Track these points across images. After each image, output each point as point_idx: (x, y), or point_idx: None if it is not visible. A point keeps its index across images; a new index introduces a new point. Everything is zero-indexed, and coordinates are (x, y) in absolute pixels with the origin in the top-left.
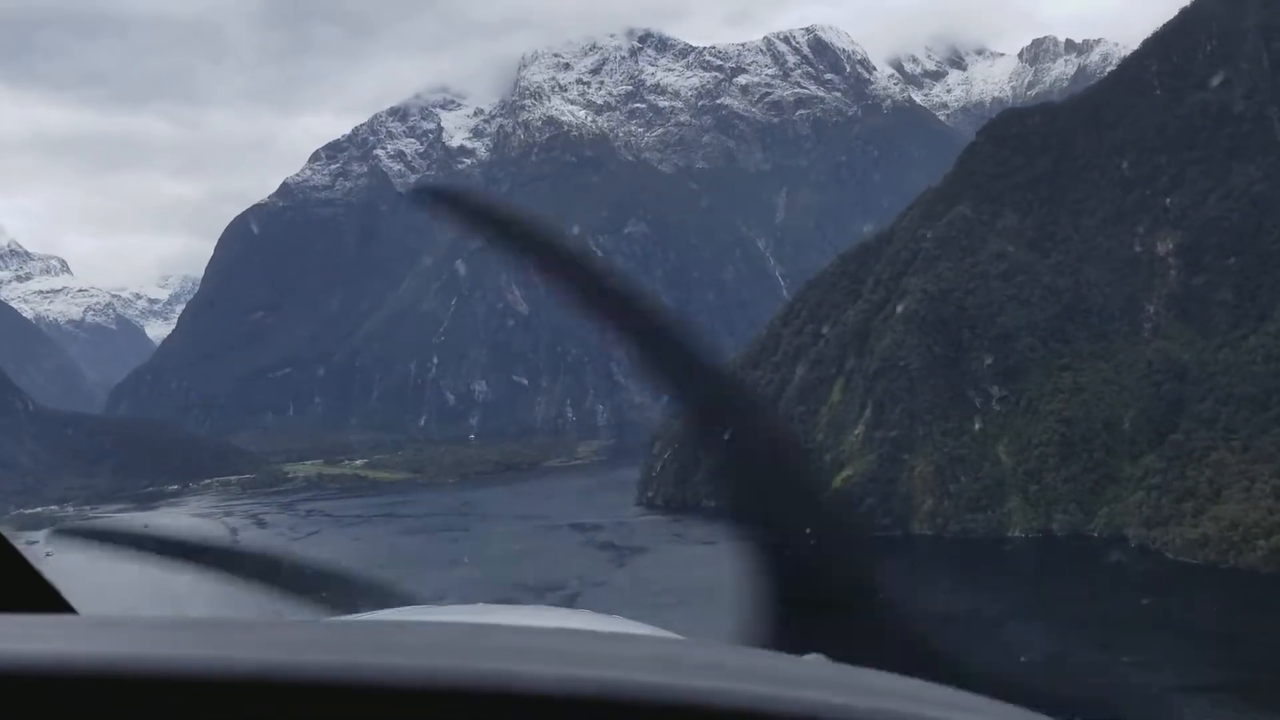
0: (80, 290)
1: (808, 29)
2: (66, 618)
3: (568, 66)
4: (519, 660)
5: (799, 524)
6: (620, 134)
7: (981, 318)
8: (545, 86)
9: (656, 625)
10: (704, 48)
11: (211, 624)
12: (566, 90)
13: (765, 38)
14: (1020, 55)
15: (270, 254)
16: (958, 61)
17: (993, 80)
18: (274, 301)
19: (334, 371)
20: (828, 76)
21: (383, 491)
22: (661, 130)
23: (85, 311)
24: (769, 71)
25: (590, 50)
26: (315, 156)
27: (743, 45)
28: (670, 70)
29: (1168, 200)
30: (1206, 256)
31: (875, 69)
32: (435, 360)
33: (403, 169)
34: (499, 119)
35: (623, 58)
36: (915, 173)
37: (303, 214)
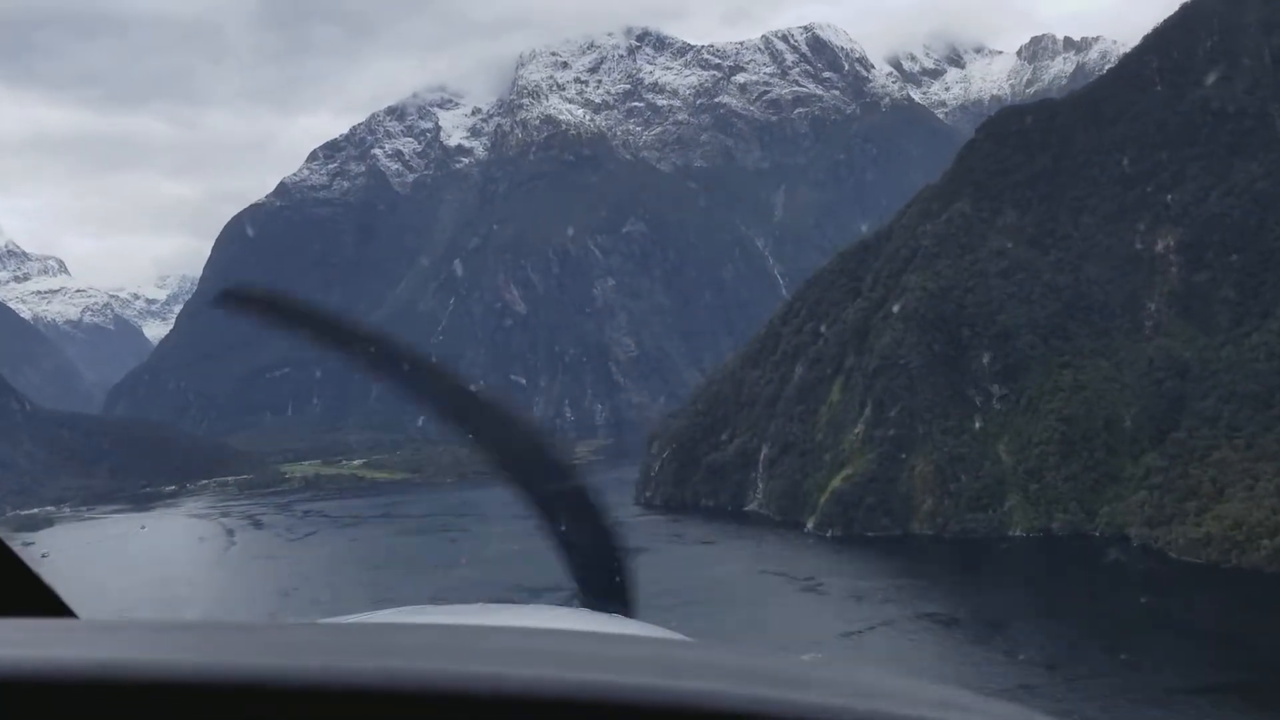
0: (78, 290)
1: (806, 27)
2: (66, 621)
3: (565, 65)
4: (516, 663)
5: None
6: (618, 133)
7: (981, 315)
8: (543, 85)
9: (654, 625)
10: (702, 46)
11: (210, 627)
12: (564, 89)
13: (763, 36)
14: (1019, 53)
15: (268, 254)
16: (956, 60)
17: (991, 78)
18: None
19: (332, 371)
20: (826, 75)
21: (380, 492)
22: (660, 129)
23: (83, 312)
24: (767, 70)
25: (588, 49)
26: (313, 156)
27: (741, 44)
28: (668, 69)
29: (1169, 197)
30: (1208, 253)
31: (874, 67)
32: (433, 360)
33: (400, 168)
34: (497, 118)
35: (620, 56)
36: (914, 171)
37: (300, 214)
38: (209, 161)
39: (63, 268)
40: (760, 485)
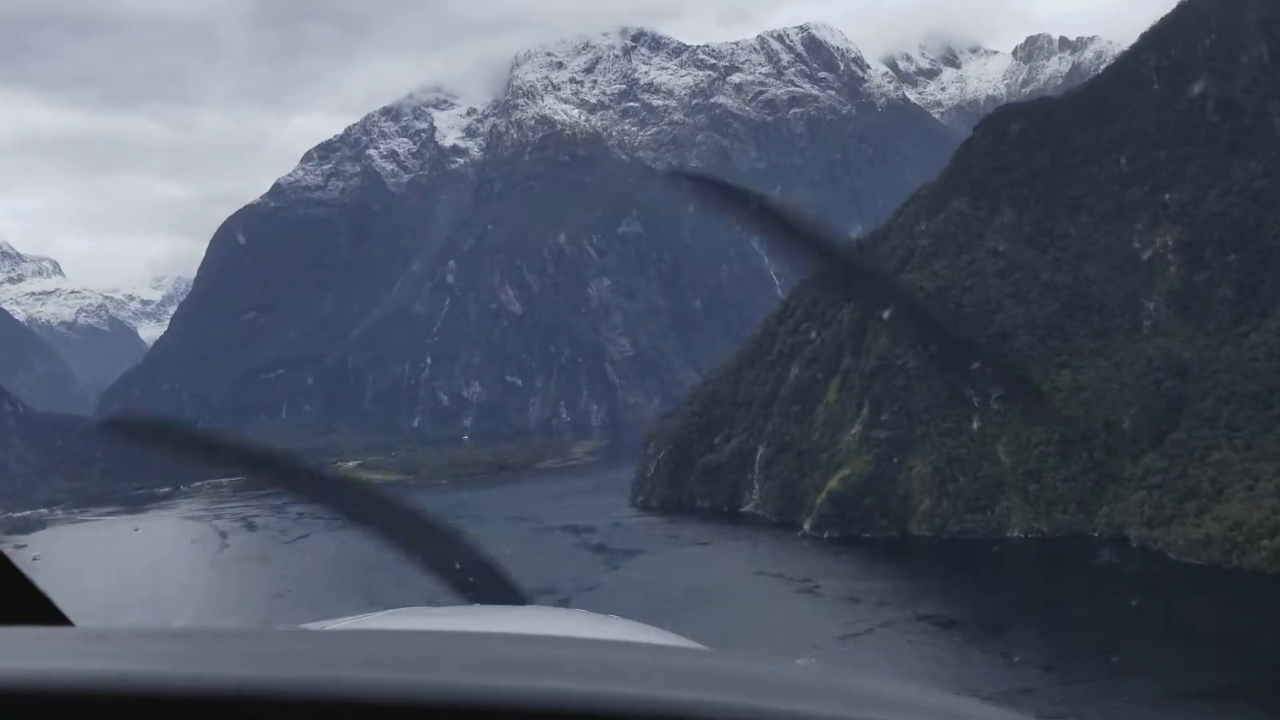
0: (73, 292)
1: (802, 27)
2: (61, 630)
3: (561, 65)
4: (511, 673)
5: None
6: (614, 133)
7: (979, 315)
8: (538, 86)
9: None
10: (697, 46)
11: (205, 636)
12: (560, 89)
13: (759, 36)
14: (1014, 53)
15: (262, 255)
16: (952, 60)
17: (987, 78)
18: (266, 302)
19: (327, 373)
20: (822, 75)
21: None
22: (655, 129)
23: (78, 313)
24: (763, 70)
25: (583, 49)
26: (308, 157)
27: (736, 44)
28: (664, 69)
29: (1167, 196)
30: (1207, 252)
31: (869, 67)
32: (428, 361)
33: (395, 169)
34: (492, 118)
35: (616, 57)
36: (910, 171)
37: (295, 214)
38: (203, 162)
39: (57, 269)
40: (756, 486)
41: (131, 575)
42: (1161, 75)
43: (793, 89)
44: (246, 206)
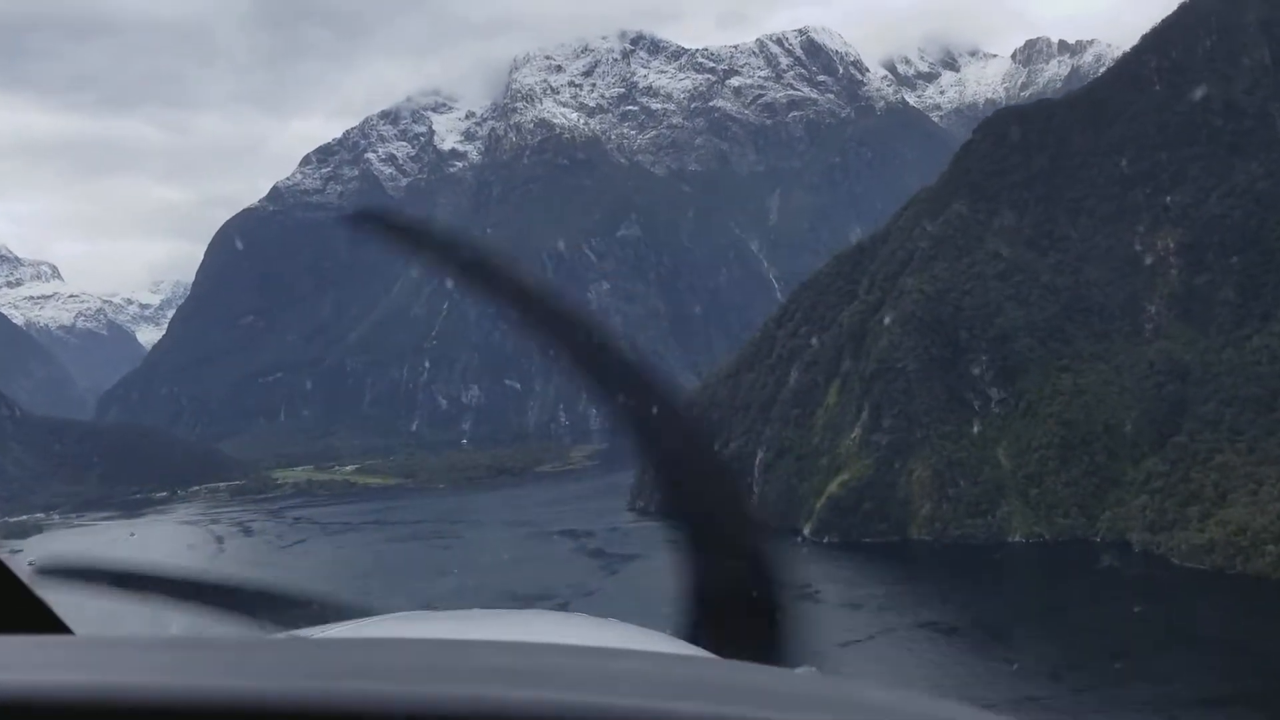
0: (71, 296)
1: (800, 30)
2: (62, 639)
3: (559, 69)
4: (513, 683)
5: (717, 528)
6: (613, 136)
7: (979, 318)
8: (537, 89)
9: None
10: (696, 50)
11: (207, 645)
12: (558, 93)
13: (758, 39)
14: (1013, 56)
15: (261, 258)
16: (951, 63)
17: (986, 81)
18: (265, 306)
19: (325, 376)
20: (821, 78)
21: (372, 498)
22: (654, 132)
23: (76, 317)
24: (762, 73)
25: (582, 53)
26: (306, 160)
27: (735, 47)
28: (663, 72)
29: (1168, 198)
30: (1208, 255)
31: (868, 70)
32: (427, 364)
33: (394, 172)
34: (490, 122)
35: (615, 60)
36: (908, 175)
37: (293, 218)
38: (201, 166)
39: (55, 273)
40: (756, 490)
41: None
42: (1162, 77)
43: (792, 92)
44: (245, 210)
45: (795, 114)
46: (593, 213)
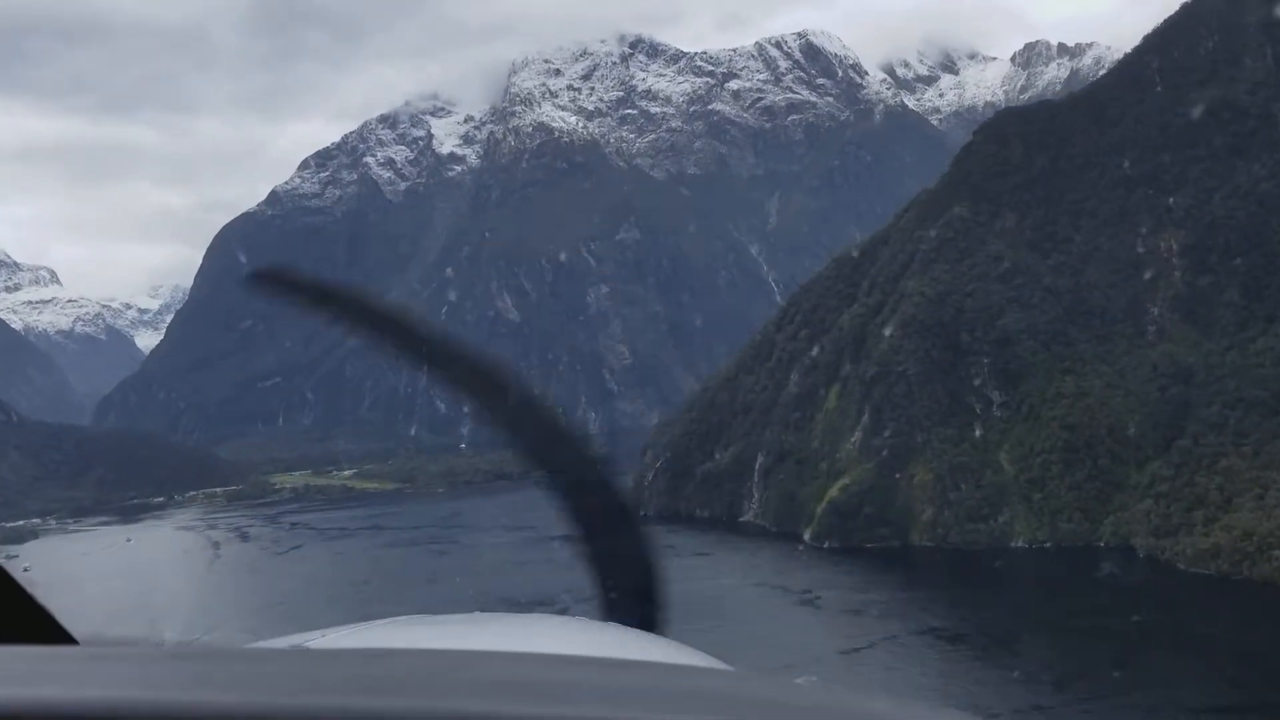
0: (70, 300)
1: (800, 34)
2: (66, 650)
3: (558, 72)
4: (520, 697)
5: (610, 532)
6: (612, 140)
7: (981, 321)
8: (536, 93)
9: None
10: (695, 53)
11: (213, 656)
12: (557, 96)
13: (757, 43)
14: (1013, 59)
15: (259, 263)
16: (950, 66)
17: (985, 84)
18: (263, 311)
19: (324, 381)
20: (820, 81)
21: (370, 502)
22: (653, 136)
23: (75, 322)
24: (761, 76)
25: (581, 56)
26: (305, 164)
27: (734, 50)
28: (661, 76)
29: (1171, 199)
30: (1211, 256)
31: (867, 73)
32: (425, 369)
33: (393, 176)
34: (489, 125)
35: (614, 63)
36: (908, 177)
37: (292, 222)
38: (200, 170)
39: (54, 278)
40: (756, 495)
41: (122, 586)
42: (1164, 78)
43: (791, 95)
44: (244, 214)
45: (794, 117)
46: (592, 216)
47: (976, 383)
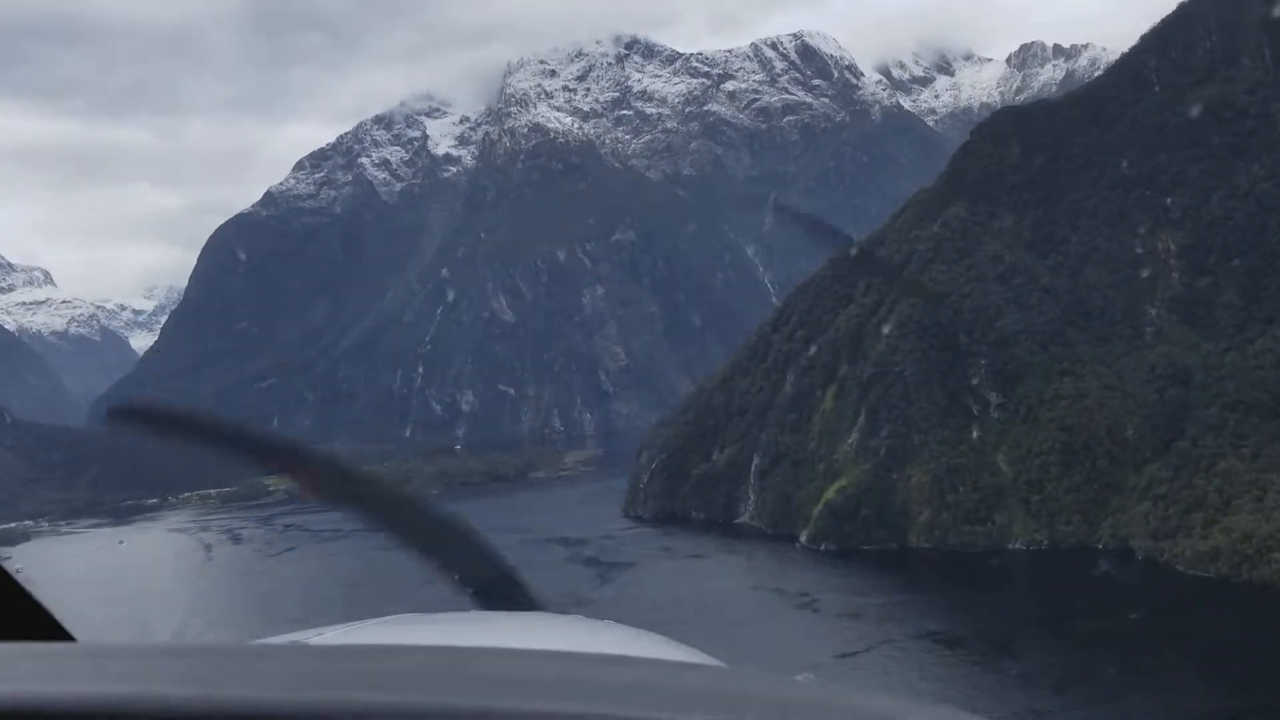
0: (64, 302)
1: (795, 35)
2: (66, 646)
3: (554, 73)
4: (518, 693)
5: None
6: (607, 141)
7: (979, 322)
8: (531, 94)
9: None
10: (691, 54)
11: (211, 652)
12: (553, 97)
13: (753, 44)
14: (1008, 60)
15: (254, 264)
16: (945, 67)
17: (981, 86)
18: (258, 312)
19: (319, 382)
20: (815, 82)
21: None
22: (649, 137)
23: (69, 323)
24: (756, 78)
25: (576, 57)
26: (299, 165)
27: (730, 52)
28: (657, 77)
29: (1169, 200)
30: (1210, 257)
31: (863, 75)
32: (421, 370)
33: (388, 177)
34: (485, 126)
35: (609, 64)
36: (904, 178)
37: (287, 223)
38: (194, 171)
39: (48, 279)
40: (752, 497)
41: (113, 590)
42: (1162, 77)
43: (786, 96)
44: (238, 215)
45: (790, 118)
46: (587, 217)
47: (974, 384)
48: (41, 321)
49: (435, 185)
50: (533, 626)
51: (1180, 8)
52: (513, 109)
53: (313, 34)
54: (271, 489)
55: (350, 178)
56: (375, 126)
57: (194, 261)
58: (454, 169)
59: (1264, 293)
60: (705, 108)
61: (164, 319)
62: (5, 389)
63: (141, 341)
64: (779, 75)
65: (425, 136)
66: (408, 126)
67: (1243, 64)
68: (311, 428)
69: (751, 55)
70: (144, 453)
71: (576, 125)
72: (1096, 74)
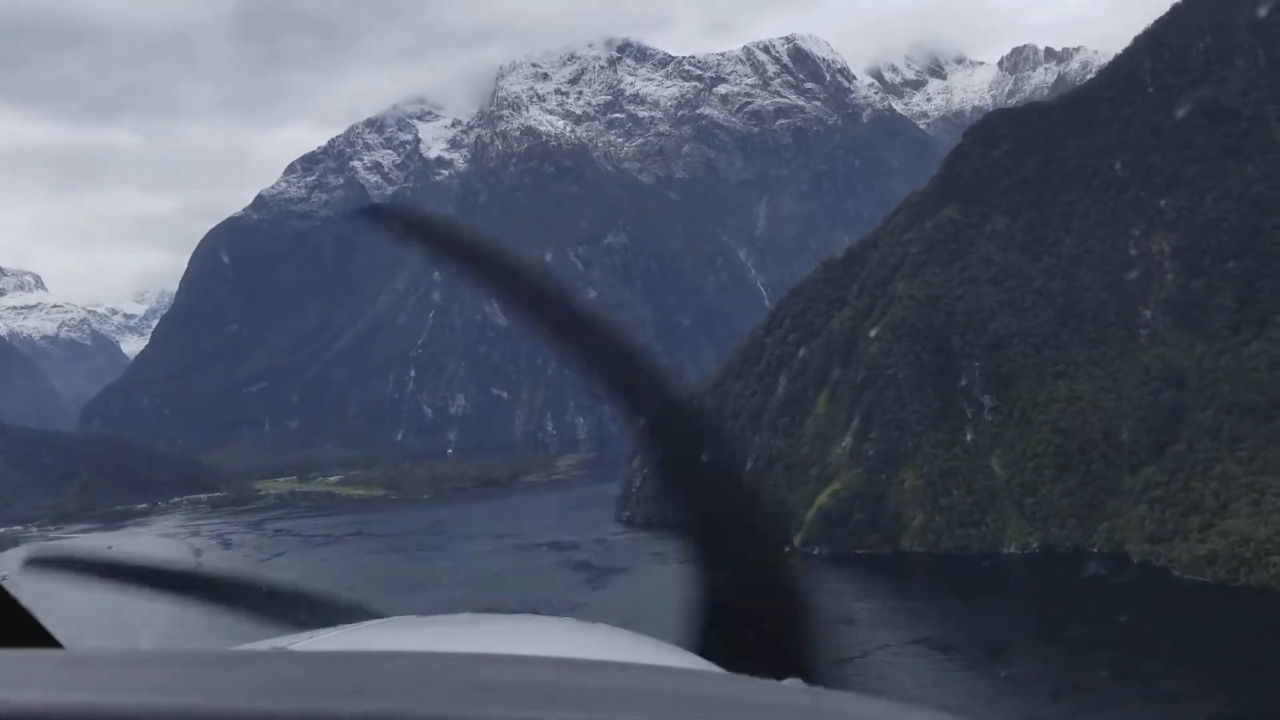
0: (55, 306)
1: (787, 38)
2: (54, 653)
3: (546, 76)
4: (510, 701)
5: (736, 546)
6: (599, 144)
7: (972, 324)
8: (523, 97)
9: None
10: (683, 57)
11: (204, 659)
12: (545, 100)
13: (745, 47)
14: (1000, 64)
15: (245, 268)
16: (937, 70)
17: (973, 89)
18: (249, 316)
19: (310, 386)
20: (808, 86)
21: (355, 509)
22: (641, 140)
23: (60, 327)
24: (749, 81)
25: (568, 60)
26: (291, 169)
27: (722, 55)
28: (649, 80)
29: (1163, 202)
30: (1204, 259)
31: (855, 78)
32: (412, 374)
33: (380, 181)
34: (477, 130)
35: (601, 67)
36: (896, 181)
37: (278, 227)
38: (185, 175)
39: (39, 283)
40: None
41: (98, 596)
42: (1155, 79)
43: (779, 100)
44: (230, 219)
45: (782, 121)
46: (579, 220)
47: (967, 387)
48: (32, 326)
49: (427, 188)
50: (523, 630)
51: (1173, 9)
52: (505, 112)
53: (305, 37)
54: (262, 493)
55: (342, 181)
56: (367, 129)
57: (185, 265)
58: (446, 172)
59: (1258, 294)
60: (697, 111)
61: (155, 323)
62: None
63: (132, 346)
64: (771, 78)
65: (417, 139)
66: (400, 129)
67: (1236, 65)
68: (301, 431)
69: (744, 58)
70: (134, 458)
71: (569, 128)
72: (1088, 77)
